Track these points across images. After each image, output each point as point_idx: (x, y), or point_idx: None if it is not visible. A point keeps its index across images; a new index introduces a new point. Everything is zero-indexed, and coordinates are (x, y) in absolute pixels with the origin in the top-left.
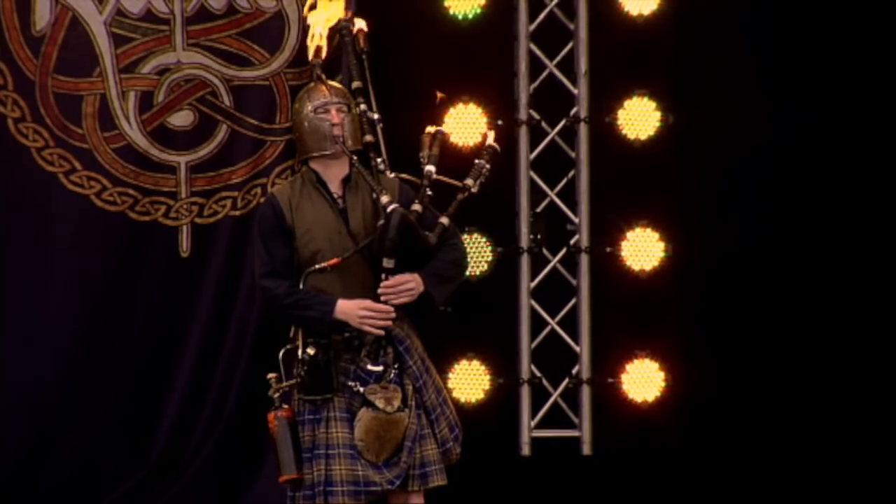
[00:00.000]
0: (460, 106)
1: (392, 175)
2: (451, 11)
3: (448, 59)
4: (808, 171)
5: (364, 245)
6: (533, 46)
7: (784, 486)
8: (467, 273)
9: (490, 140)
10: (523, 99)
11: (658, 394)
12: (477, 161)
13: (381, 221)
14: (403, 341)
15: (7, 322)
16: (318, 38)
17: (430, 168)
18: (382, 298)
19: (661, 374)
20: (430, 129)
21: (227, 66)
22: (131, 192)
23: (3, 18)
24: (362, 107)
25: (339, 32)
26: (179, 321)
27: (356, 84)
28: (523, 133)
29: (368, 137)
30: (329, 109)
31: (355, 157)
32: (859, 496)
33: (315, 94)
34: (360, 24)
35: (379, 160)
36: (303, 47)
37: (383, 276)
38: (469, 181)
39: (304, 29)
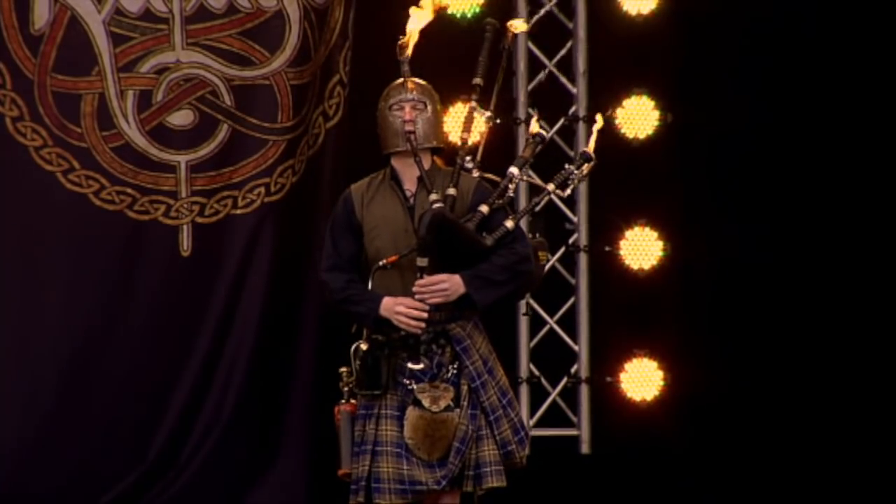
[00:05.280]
0: (459, 105)
1: (476, 174)
2: (450, 10)
3: (447, 58)
4: (808, 170)
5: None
6: (531, 45)
7: (783, 485)
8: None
9: (589, 146)
10: (522, 98)
11: (657, 393)
12: (567, 166)
13: None
14: (462, 341)
15: (6, 321)
16: (408, 34)
17: (513, 170)
18: (416, 297)
19: (660, 374)
20: (533, 129)
21: (227, 66)
22: (129, 191)
23: (2, 17)
24: (473, 103)
25: (483, 28)
26: (180, 320)
27: (476, 80)
28: (522, 132)
29: (464, 134)
30: (403, 106)
31: (419, 156)
32: (860, 494)
33: (394, 91)
34: (518, 25)
35: (468, 157)
36: (303, 47)
37: (418, 274)
38: (551, 185)
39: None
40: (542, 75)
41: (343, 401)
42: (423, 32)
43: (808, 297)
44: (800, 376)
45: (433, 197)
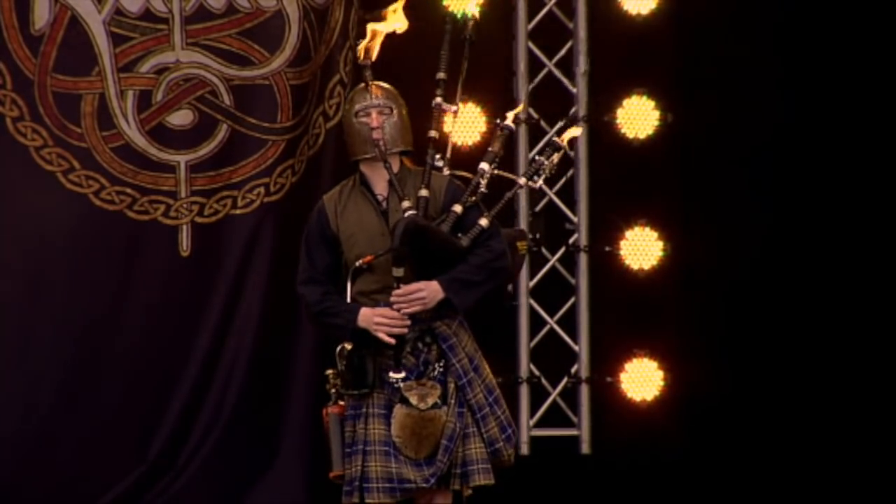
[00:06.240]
0: (459, 105)
1: (447, 172)
2: (450, 10)
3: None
4: (807, 170)
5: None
6: (532, 45)
7: (783, 485)
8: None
9: (508, 121)
10: (522, 98)
11: (657, 393)
12: (537, 157)
13: None
14: (448, 339)
15: (6, 321)
16: (369, 38)
17: (483, 166)
18: (394, 307)
19: (660, 374)
20: (505, 121)
21: (227, 66)
22: (129, 191)
23: (2, 17)
24: (438, 99)
25: (444, 20)
26: (180, 320)
27: (440, 75)
28: (522, 132)
29: (433, 133)
30: (370, 113)
31: (388, 163)
32: (860, 494)
33: (359, 97)
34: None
35: (437, 156)
36: (303, 47)
37: (395, 284)
38: (522, 179)
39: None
40: (542, 75)
41: (331, 403)
42: (425, 32)
43: (808, 297)
44: (800, 376)
45: (405, 204)
